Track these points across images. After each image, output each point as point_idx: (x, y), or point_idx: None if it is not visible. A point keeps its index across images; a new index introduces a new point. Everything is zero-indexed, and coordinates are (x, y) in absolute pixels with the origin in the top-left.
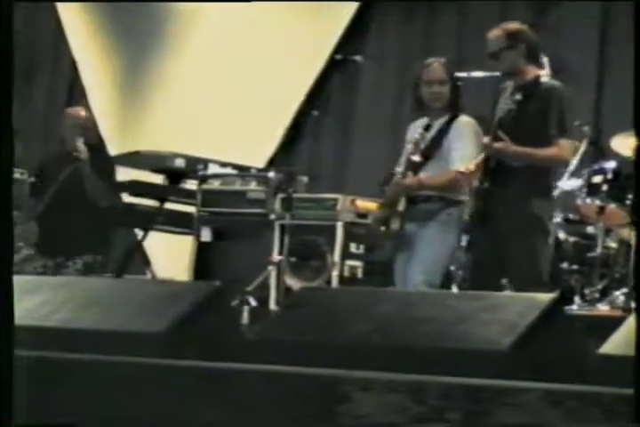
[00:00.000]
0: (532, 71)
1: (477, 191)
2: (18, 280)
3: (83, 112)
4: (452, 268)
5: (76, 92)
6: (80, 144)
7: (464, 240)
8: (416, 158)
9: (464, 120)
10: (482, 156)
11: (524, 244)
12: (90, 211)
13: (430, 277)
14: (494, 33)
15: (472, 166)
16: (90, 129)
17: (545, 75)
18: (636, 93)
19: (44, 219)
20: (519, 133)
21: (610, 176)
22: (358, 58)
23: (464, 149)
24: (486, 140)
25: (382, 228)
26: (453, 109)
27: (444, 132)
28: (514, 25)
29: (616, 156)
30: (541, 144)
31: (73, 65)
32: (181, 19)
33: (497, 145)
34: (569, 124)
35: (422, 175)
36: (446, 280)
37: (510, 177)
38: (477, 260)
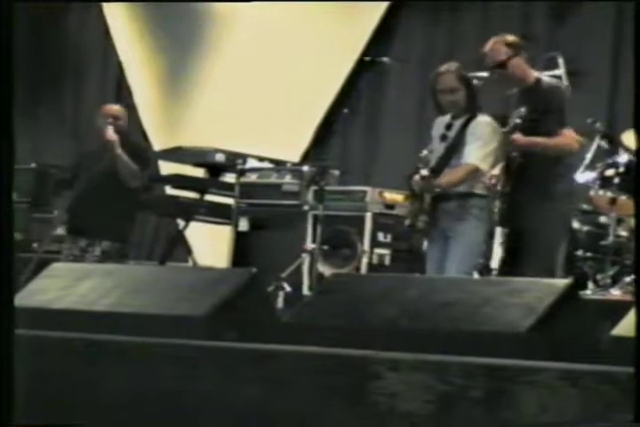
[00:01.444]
0: (532, 75)
1: (502, 194)
2: (70, 267)
3: (115, 107)
4: None
5: (123, 91)
6: (110, 131)
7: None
8: (424, 173)
9: (481, 120)
10: (494, 155)
11: (543, 240)
12: (119, 198)
13: (466, 268)
14: (494, 45)
15: (495, 171)
16: (120, 119)
17: (557, 74)
18: (636, 93)
19: (77, 204)
20: (528, 131)
21: (622, 169)
22: (386, 59)
23: (479, 146)
24: (504, 134)
25: (409, 221)
26: (472, 110)
27: (462, 132)
28: (509, 37)
29: (629, 150)
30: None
31: (119, 66)
32: (219, 22)
33: (513, 136)
34: (567, 119)
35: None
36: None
37: (531, 179)
38: (504, 258)
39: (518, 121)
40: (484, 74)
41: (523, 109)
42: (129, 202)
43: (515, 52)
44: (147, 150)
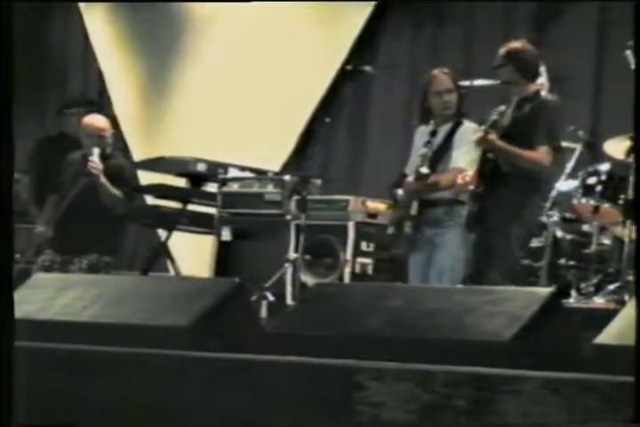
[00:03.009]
0: (532, 86)
1: (473, 195)
2: (53, 278)
3: (98, 122)
4: None
5: (104, 100)
6: (94, 158)
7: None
8: (424, 170)
9: (468, 126)
10: (478, 161)
11: (506, 243)
12: (104, 215)
13: (455, 277)
14: (500, 50)
15: (470, 174)
16: (106, 137)
17: (544, 89)
18: (636, 94)
19: (61, 219)
20: (509, 138)
21: (604, 178)
22: (368, 68)
23: (467, 152)
24: (479, 134)
25: (391, 229)
26: (459, 116)
27: (450, 137)
28: (514, 44)
29: (611, 158)
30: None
31: (100, 75)
32: (199, 30)
33: (489, 136)
34: (556, 134)
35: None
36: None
37: (503, 182)
38: (471, 258)
39: (495, 117)
40: (467, 83)
41: (503, 107)
42: (116, 215)
43: (504, 61)
44: (131, 172)
